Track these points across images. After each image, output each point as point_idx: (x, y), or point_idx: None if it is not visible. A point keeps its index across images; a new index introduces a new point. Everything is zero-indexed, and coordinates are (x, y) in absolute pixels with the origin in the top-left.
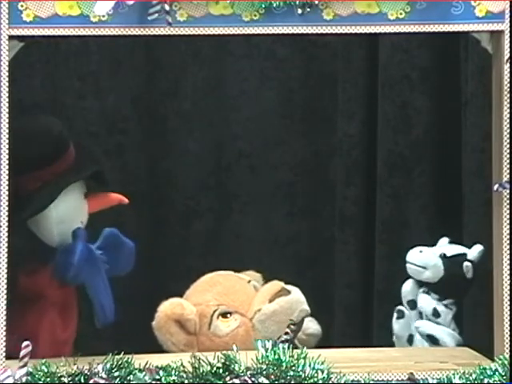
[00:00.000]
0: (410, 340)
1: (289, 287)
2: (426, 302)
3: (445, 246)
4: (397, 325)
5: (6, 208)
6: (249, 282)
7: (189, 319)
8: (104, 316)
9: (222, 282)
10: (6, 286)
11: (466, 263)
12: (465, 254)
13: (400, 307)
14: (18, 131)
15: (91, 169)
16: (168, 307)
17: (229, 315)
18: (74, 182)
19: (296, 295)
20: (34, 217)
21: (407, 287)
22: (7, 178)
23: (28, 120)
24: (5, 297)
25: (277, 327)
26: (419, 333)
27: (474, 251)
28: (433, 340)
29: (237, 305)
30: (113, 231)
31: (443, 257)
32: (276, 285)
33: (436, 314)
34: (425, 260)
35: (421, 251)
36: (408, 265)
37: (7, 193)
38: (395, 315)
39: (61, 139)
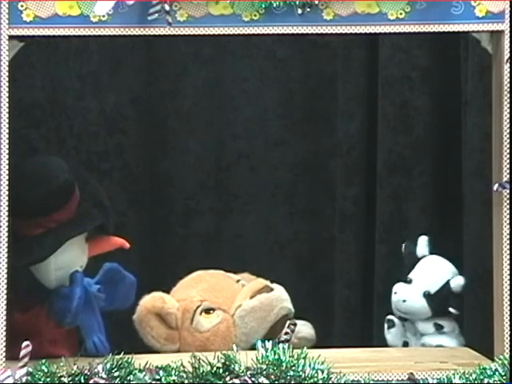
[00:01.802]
0: (406, 347)
1: (273, 285)
2: (424, 325)
3: (427, 282)
4: (389, 335)
5: (7, 198)
6: (238, 281)
7: (169, 313)
8: (96, 354)
9: (208, 280)
10: (6, 286)
11: (456, 284)
12: (448, 284)
13: (390, 317)
14: (25, 175)
15: (96, 221)
16: (149, 301)
17: (211, 311)
18: (77, 235)
19: (278, 293)
20: (33, 265)
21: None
22: (7, 178)
23: (35, 164)
24: (5, 297)
25: (256, 323)
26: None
27: (456, 282)
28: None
29: (220, 301)
30: (113, 266)
31: (427, 296)
32: (259, 282)
33: (439, 327)
34: (410, 309)
35: (404, 300)
36: (395, 312)
37: (7, 192)
38: (386, 325)
39: (67, 186)
